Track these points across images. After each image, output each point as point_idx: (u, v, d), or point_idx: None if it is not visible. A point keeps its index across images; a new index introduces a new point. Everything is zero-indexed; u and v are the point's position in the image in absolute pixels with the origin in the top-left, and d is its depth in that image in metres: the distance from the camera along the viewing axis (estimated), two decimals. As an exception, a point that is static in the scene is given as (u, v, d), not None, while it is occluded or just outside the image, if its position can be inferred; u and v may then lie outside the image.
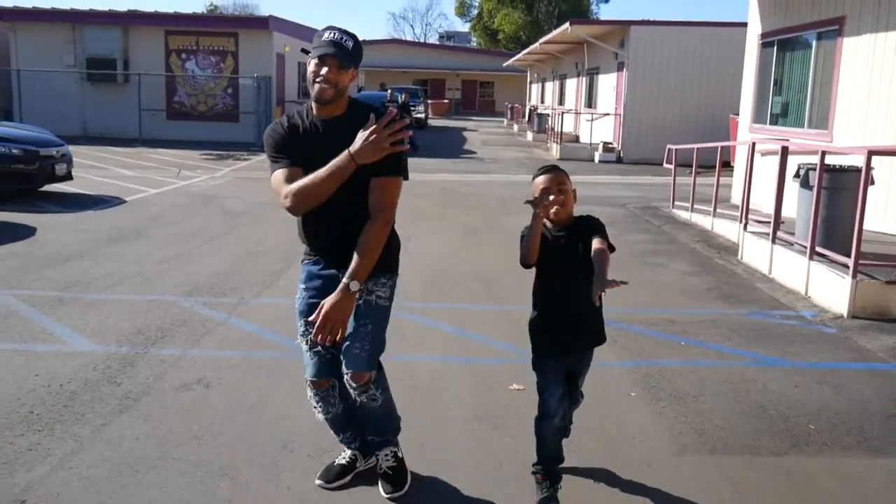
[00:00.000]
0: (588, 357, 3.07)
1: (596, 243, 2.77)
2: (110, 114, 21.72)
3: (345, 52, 2.69)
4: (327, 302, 2.62)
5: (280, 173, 2.74)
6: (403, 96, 24.63)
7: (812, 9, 10.04)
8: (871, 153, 5.83)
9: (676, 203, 11.24)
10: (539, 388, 2.99)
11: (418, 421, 3.67)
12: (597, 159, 20.08)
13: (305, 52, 2.77)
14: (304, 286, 2.91)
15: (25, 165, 10.50)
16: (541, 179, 2.91)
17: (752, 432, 3.73)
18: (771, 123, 11.20)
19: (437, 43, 72.74)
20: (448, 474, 3.24)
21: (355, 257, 2.65)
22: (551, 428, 2.95)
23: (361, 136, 2.59)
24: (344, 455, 3.14)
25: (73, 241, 7.85)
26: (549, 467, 2.99)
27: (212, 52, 22.27)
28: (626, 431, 3.70)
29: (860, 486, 3.27)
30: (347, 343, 2.77)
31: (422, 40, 75.96)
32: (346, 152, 2.61)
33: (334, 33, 2.73)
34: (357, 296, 2.70)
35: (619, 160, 19.94)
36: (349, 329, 2.75)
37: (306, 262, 2.95)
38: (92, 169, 13.85)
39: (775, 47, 11.14)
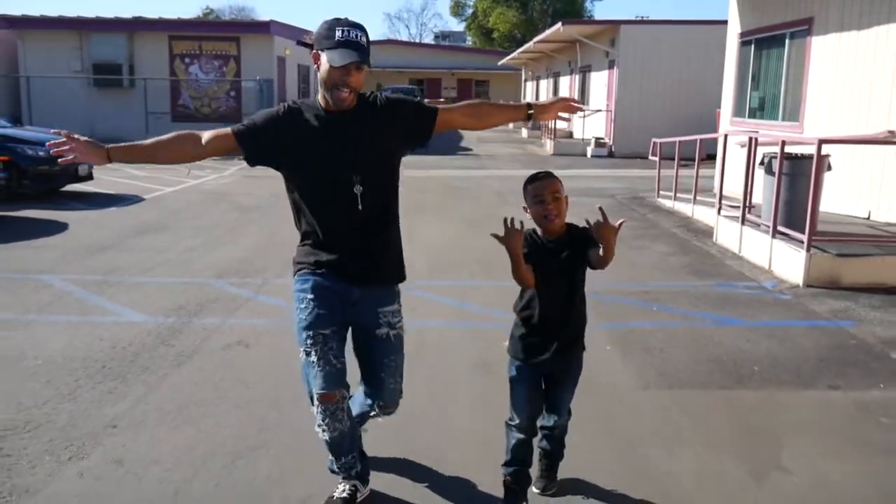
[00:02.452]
0: (572, 366, 2.95)
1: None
2: (117, 117, 22.34)
3: (364, 52, 2.58)
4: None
5: (217, 132, 2.81)
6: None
7: (785, 10, 10.77)
8: (822, 142, 6.57)
9: (661, 193, 11.97)
10: (510, 389, 2.95)
11: (429, 370, 4.40)
12: (589, 154, 20.80)
13: (305, 45, 2.85)
14: (311, 297, 2.71)
15: (50, 166, 11.20)
16: (533, 188, 2.77)
17: (705, 373, 4.47)
18: (749, 117, 11.93)
19: (433, 43, 73.36)
20: (453, 407, 3.97)
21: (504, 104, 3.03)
22: (514, 436, 2.90)
23: (548, 99, 2.93)
24: (343, 489, 2.83)
25: (104, 234, 8.57)
26: (517, 471, 2.92)
27: (214, 57, 22.97)
28: (600, 375, 4.42)
29: (790, 411, 4.00)
30: (381, 378, 2.83)
31: (417, 40, 76.60)
32: (524, 103, 2.92)
33: (347, 31, 2.58)
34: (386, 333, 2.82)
35: (610, 155, 20.66)
36: (380, 363, 2.83)
37: (307, 272, 2.76)
38: (106, 170, 14.48)
39: (753, 45, 11.87)
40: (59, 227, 8.93)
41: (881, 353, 4.86)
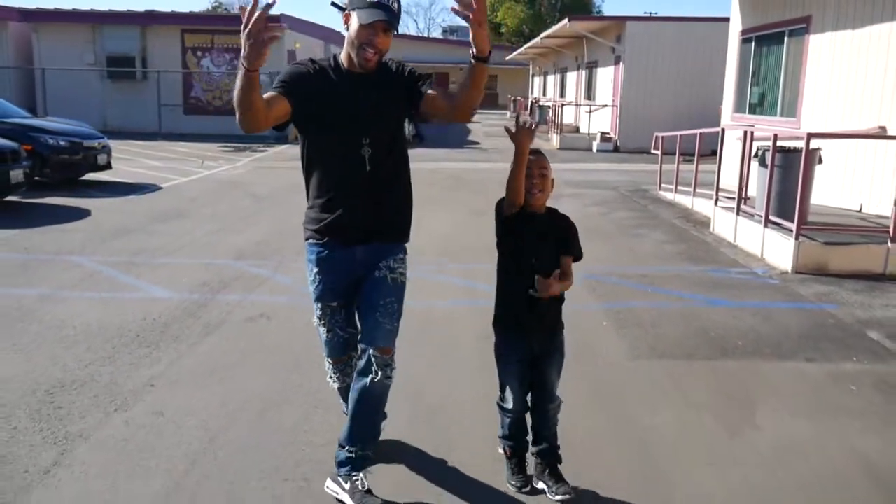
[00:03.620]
0: (554, 346, 2.99)
1: (568, 261, 2.93)
2: (130, 109, 22.75)
3: (394, 16, 2.62)
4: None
5: (268, 96, 2.62)
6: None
7: (784, 8, 11.08)
8: (810, 136, 6.91)
9: (663, 186, 12.31)
10: (499, 373, 3.02)
11: (437, 341, 4.78)
12: (594, 148, 21.12)
13: (337, 6, 2.72)
14: (317, 269, 2.85)
15: (71, 156, 11.62)
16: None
17: (692, 346, 4.84)
18: (749, 112, 12.25)
19: (441, 37, 73.58)
20: (458, 369, 4.34)
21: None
22: (507, 417, 3.01)
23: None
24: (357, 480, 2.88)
25: (126, 220, 8.96)
26: (516, 442, 3.05)
27: (226, 50, 23.32)
28: (595, 347, 4.79)
29: (768, 379, 4.36)
30: (376, 318, 2.79)
31: (425, 35, 76.85)
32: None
33: None
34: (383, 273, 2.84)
35: (615, 149, 20.98)
36: (375, 304, 2.80)
37: (314, 243, 2.86)
38: (122, 161, 14.92)
39: (753, 43, 12.18)
40: (83, 214, 9.32)
41: (858, 331, 5.21)
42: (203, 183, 12.77)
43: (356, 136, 2.73)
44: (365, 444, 2.87)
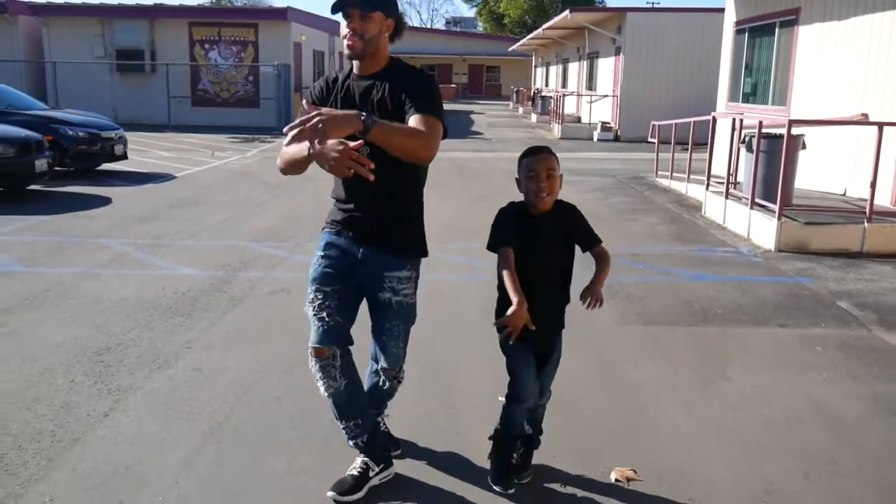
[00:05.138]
0: (557, 343, 2.99)
1: (599, 249, 2.84)
2: (139, 101, 23.23)
3: None
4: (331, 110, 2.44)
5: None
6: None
7: (775, 0, 11.49)
8: (791, 122, 7.34)
9: (659, 172, 12.75)
10: (510, 370, 2.92)
11: (443, 314, 5.24)
12: (595, 138, 21.54)
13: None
14: (321, 254, 2.87)
15: (89, 146, 12.12)
16: (528, 162, 2.75)
17: (675, 314, 5.31)
18: (743, 101, 12.67)
19: (444, 29, 73.91)
20: (463, 334, 4.81)
21: (389, 123, 2.48)
22: (520, 411, 2.94)
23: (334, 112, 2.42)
24: (354, 465, 2.95)
25: (146, 207, 9.44)
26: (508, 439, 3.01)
27: (233, 42, 23.79)
28: (585, 315, 5.22)
29: (742, 341, 4.83)
30: (384, 341, 2.87)
31: (428, 26, 77.15)
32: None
33: None
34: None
35: (616, 139, 21.40)
36: (382, 327, 2.86)
37: (328, 230, 2.91)
38: (135, 151, 15.37)
39: (746, 34, 12.59)
40: (105, 201, 9.80)
41: (830, 302, 5.67)
42: (215, 172, 13.25)
43: (354, 136, 2.53)
44: (379, 408, 3.14)
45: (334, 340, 2.77)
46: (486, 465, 3.08)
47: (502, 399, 3.02)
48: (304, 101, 2.82)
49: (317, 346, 2.77)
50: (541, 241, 2.78)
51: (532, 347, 2.86)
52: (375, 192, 2.66)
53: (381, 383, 3.00)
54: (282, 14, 23.80)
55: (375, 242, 2.82)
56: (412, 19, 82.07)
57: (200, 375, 4.10)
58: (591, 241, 2.87)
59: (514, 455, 3.05)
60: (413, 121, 2.55)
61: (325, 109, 2.40)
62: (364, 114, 2.40)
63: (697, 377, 4.18)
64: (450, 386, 4.04)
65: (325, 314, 2.76)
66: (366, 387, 3.03)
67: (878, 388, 4.08)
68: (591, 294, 2.77)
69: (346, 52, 2.66)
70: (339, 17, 2.68)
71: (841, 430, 3.60)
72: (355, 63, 2.73)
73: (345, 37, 2.63)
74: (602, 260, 2.84)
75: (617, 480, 3.07)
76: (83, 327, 4.85)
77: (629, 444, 3.39)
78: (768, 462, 3.25)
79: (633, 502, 2.94)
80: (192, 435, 3.41)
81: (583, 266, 3.04)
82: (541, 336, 2.83)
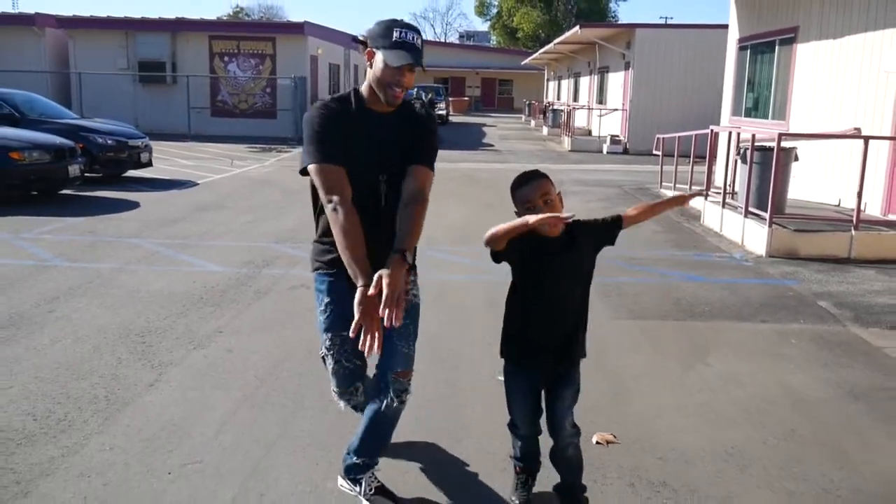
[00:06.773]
0: (573, 374, 2.81)
1: (626, 214, 2.81)
2: (160, 112, 23.89)
3: (418, 54, 2.65)
4: (387, 274, 2.40)
5: (332, 170, 2.63)
6: (429, 95, 26.80)
7: (775, 18, 11.95)
8: (781, 136, 7.79)
9: (664, 184, 13.18)
10: (507, 401, 2.85)
11: (450, 309, 5.71)
12: (605, 151, 21.99)
13: (360, 42, 2.75)
14: (327, 300, 2.86)
15: (117, 154, 12.71)
16: (522, 193, 2.62)
17: (665, 310, 5.75)
18: (745, 115, 13.11)
19: (458, 42, 74.69)
20: (469, 328, 5.27)
21: (406, 233, 2.57)
22: (518, 436, 2.89)
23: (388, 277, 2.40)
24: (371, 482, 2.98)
25: (173, 210, 9.98)
26: (527, 463, 2.95)
27: (251, 55, 24.46)
28: (584, 311, 5.69)
29: (725, 334, 5.26)
30: (394, 342, 2.74)
31: (442, 40, 78.03)
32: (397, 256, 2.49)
33: (404, 33, 2.64)
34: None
35: (625, 151, 21.84)
36: (392, 331, 2.66)
37: (323, 273, 2.90)
38: (158, 160, 15.93)
39: (749, 51, 13.05)
40: (133, 205, 10.35)
41: (811, 302, 6.09)
42: (235, 180, 13.80)
43: (374, 172, 2.72)
44: (373, 456, 2.93)
45: (356, 381, 3.06)
46: (485, 466, 3.52)
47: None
48: (362, 290, 2.50)
49: (341, 390, 3.06)
50: (555, 267, 2.65)
51: (530, 375, 2.77)
52: (385, 221, 2.69)
53: (388, 405, 2.77)
54: (299, 28, 24.45)
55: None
56: (426, 33, 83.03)
57: (232, 355, 4.58)
58: (613, 222, 2.79)
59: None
60: (414, 170, 2.69)
61: (385, 285, 2.39)
62: (402, 255, 2.50)
63: (680, 363, 4.62)
64: (455, 372, 4.49)
65: (344, 360, 2.93)
66: (367, 416, 2.87)
67: (844, 375, 4.50)
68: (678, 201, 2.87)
69: (388, 99, 2.67)
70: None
71: (804, 408, 4.03)
72: (366, 94, 2.75)
73: (392, 85, 2.64)
74: (643, 205, 2.88)
75: (598, 443, 3.52)
76: (124, 314, 5.35)
77: (611, 416, 3.83)
78: (733, 431, 3.69)
79: (610, 459, 3.39)
80: (229, 400, 3.89)
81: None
82: (543, 364, 2.74)
